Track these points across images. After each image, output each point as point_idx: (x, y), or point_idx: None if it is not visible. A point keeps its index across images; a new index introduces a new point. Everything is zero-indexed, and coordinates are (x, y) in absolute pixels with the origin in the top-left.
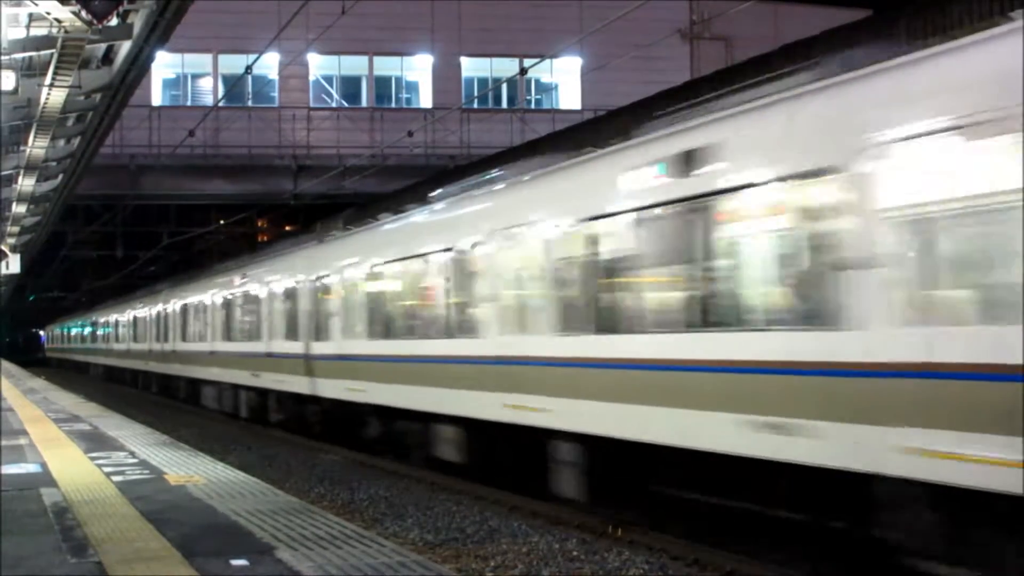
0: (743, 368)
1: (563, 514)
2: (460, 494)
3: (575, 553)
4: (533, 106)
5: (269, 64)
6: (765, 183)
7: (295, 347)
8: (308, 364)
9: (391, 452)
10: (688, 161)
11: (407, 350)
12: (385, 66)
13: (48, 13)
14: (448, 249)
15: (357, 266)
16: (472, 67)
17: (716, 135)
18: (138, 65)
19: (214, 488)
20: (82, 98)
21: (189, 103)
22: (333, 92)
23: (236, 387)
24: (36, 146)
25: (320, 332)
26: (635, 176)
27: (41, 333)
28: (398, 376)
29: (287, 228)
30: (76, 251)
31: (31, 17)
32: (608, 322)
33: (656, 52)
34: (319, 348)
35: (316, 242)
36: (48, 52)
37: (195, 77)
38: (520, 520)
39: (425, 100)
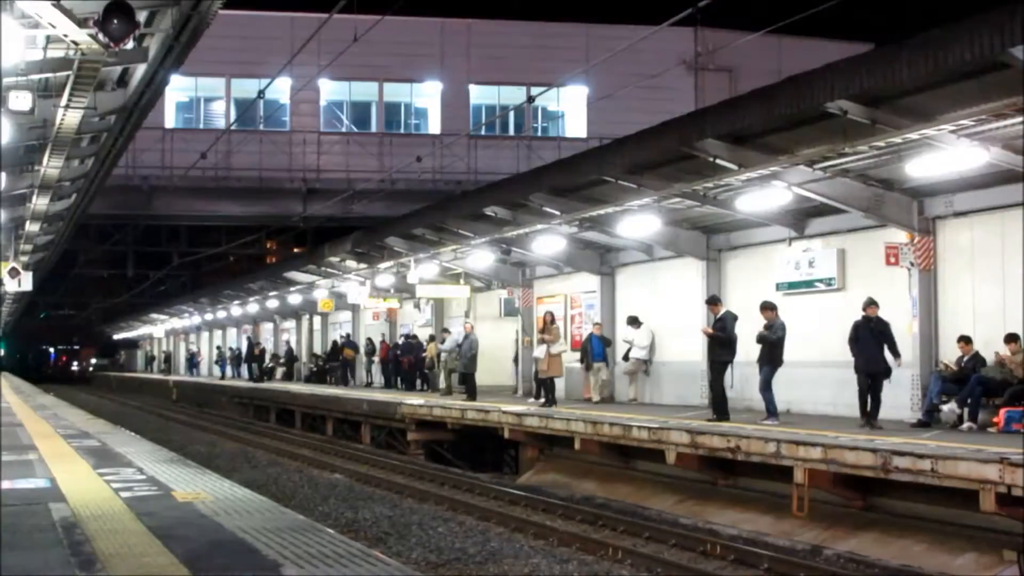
0: None
1: (565, 535)
2: (463, 514)
3: (576, 574)
4: (540, 134)
5: (281, 89)
6: None
7: None
8: None
9: None
10: None
11: None
12: (395, 92)
13: (65, 35)
14: None
15: None
16: (480, 95)
17: None
18: (152, 88)
19: (221, 505)
20: (97, 119)
21: (202, 126)
22: (343, 117)
23: None
24: (51, 166)
25: None
26: None
27: (51, 351)
28: None
29: (295, 250)
30: (87, 269)
31: (48, 39)
32: None
33: (661, 82)
34: None
35: None
36: (64, 74)
37: (208, 100)
38: (522, 541)
39: (433, 126)
